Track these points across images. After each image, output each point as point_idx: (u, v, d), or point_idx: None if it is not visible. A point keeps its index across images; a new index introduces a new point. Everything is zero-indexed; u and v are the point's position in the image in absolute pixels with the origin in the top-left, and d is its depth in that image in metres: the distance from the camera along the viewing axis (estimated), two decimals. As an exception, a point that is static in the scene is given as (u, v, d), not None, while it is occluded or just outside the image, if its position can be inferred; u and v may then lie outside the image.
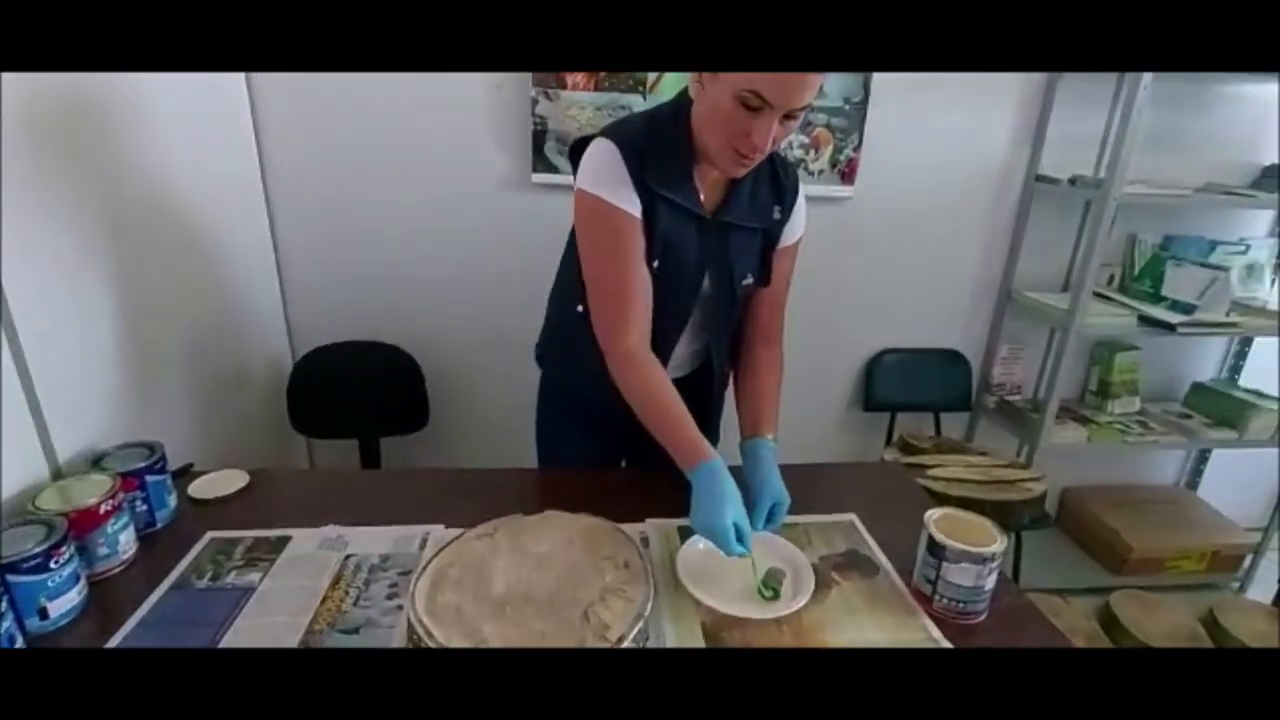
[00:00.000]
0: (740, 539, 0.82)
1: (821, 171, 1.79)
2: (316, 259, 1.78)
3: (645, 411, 0.94)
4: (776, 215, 1.01)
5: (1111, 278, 2.08)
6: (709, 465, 0.87)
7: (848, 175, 1.81)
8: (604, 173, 0.90)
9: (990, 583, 0.82)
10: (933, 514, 0.87)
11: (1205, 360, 2.27)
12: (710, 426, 1.17)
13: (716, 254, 0.99)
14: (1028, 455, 1.94)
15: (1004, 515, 1.68)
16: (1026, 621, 0.86)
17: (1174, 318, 1.79)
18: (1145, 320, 1.83)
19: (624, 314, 0.95)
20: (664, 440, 0.91)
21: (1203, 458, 2.38)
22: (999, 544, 0.82)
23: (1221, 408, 2.09)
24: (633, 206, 0.91)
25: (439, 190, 1.74)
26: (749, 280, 1.03)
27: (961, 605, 0.82)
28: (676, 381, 1.10)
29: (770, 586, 0.84)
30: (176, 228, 1.33)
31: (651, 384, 0.94)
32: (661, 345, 1.04)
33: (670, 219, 0.93)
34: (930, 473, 1.74)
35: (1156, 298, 1.93)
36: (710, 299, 1.03)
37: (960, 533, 0.83)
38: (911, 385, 2.07)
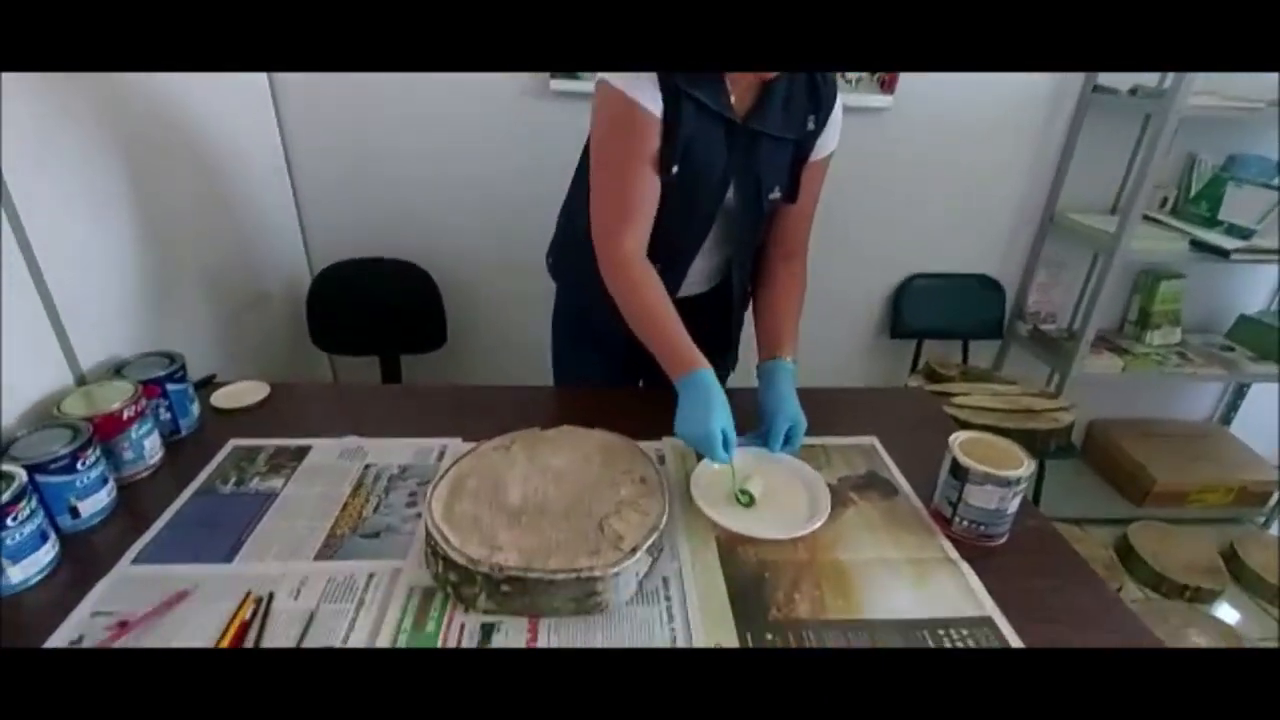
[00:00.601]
0: (726, 448, 0.82)
1: (859, 79, 1.67)
2: (331, 174, 1.74)
3: (635, 318, 0.91)
4: (810, 126, 0.94)
5: (1165, 200, 1.95)
6: (698, 373, 0.85)
7: (887, 84, 1.68)
8: None
9: (1013, 506, 0.80)
10: (957, 436, 0.84)
11: (1255, 291, 2.15)
12: (728, 346, 1.15)
13: (743, 163, 0.93)
14: (1058, 385, 1.89)
15: (1029, 444, 1.65)
16: (1047, 546, 0.84)
17: (1229, 243, 1.68)
18: (1197, 245, 1.72)
19: (624, 216, 0.91)
20: (653, 348, 0.89)
21: (1240, 393, 2.31)
22: (1024, 468, 0.80)
23: (1267, 341, 2.00)
24: (653, 104, 0.85)
25: (455, 100, 1.66)
26: (775, 194, 0.97)
27: (982, 527, 0.81)
28: (695, 298, 1.07)
29: (746, 493, 0.84)
30: (189, 145, 1.31)
31: (643, 291, 0.91)
32: (680, 259, 1.00)
33: (695, 121, 0.87)
34: (955, 400, 1.70)
35: (1212, 222, 1.81)
36: (733, 211, 0.97)
37: (985, 456, 0.80)
38: (941, 312, 2.00)
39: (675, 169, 0.89)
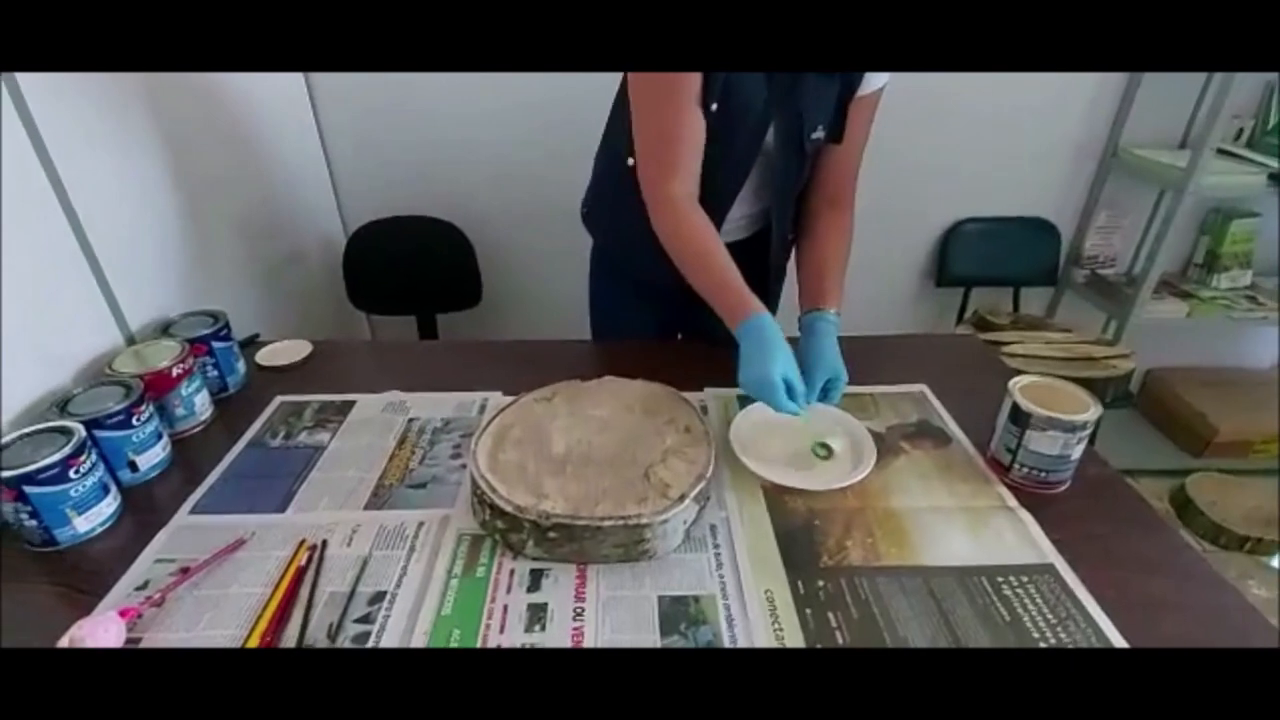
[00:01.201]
0: (792, 396, 0.78)
1: (905, 10, 1.56)
2: (360, 132, 1.72)
3: (688, 263, 0.88)
4: None
5: (1239, 132, 1.81)
6: (759, 318, 0.81)
7: (936, 13, 1.57)
8: None
9: (1077, 452, 0.77)
10: (1018, 381, 0.80)
11: (1337, 227, 2.00)
12: (764, 295, 1.09)
13: (784, 100, 0.87)
14: (1116, 332, 1.80)
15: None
16: (1111, 493, 0.81)
17: (1313, 174, 1.56)
18: (1277, 179, 1.60)
19: (671, 157, 0.87)
20: (707, 294, 0.86)
21: (1313, 337, 2.17)
22: (1091, 412, 0.75)
23: (1348, 280, 1.87)
24: None
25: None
26: (819, 134, 0.92)
27: (1044, 474, 0.77)
28: (733, 245, 1.02)
29: (825, 446, 0.82)
30: (223, 109, 1.31)
31: (696, 234, 0.87)
32: (717, 203, 0.96)
33: None
34: (1006, 349, 1.64)
35: (1293, 152, 1.68)
36: (774, 153, 0.92)
37: (1047, 401, 0.76)
38: (991, 258, 1.91)
39: (714, 106, 0.85)
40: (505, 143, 1.73)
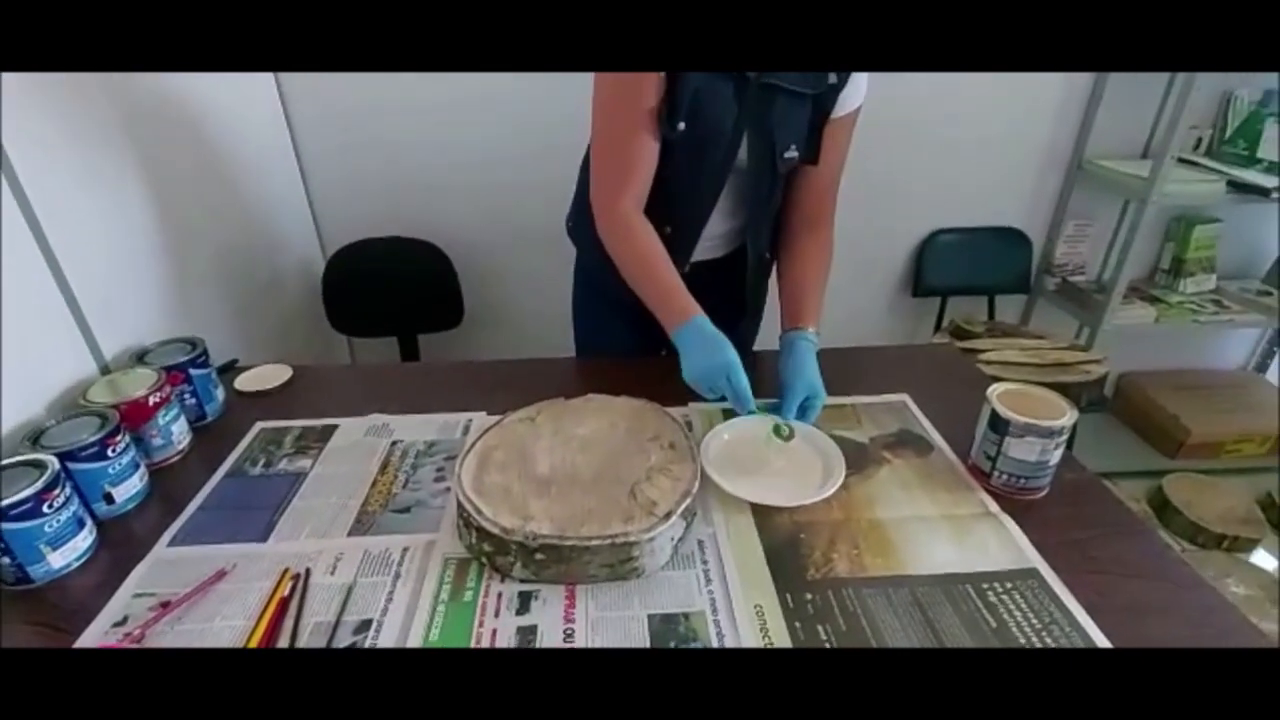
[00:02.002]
0: (738, 394, 0.81)
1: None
2: (337, 153, 1.71)
3: (633, 268, 0.91)
4: (831, 79, 0.89)
5: (1199, 142, 1.87)
6: (696, 319, 0.85)
7: (904, 32, 1.62)
8: None
9: (1055, 458, 0.78)
10: (996, 388, 0.82)
11: (1294, 232, 2.07)
12: (743, 313, 1.11)
13: (756, 119, 0.89)
14: (1089, 338, 1.84)
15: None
16: (1090, 497, 0.82)
17: (1270, 181, 1.62)
18: (1235, 186, 1.66)
19: (622, 175, 0.90)
20: (650, 301, 0.89)
21: (1277, 339, 2.24)
22: (1067, 417, 0.77)
23: (1309, 282, 1.93)
24: None
25: (460, 76, 1.62)
26: (792, 153, 0.93)
27: (1023, 480, 0.79)
28: (710, 263, 1.04)
29: (786, 425, 0.84)
30: (197, 131, 1.30)
31: (639, 244, 0.90)
32: (693, 220, 0.97)
33: (703, 74, 0.84)
34: (982, 357, 1.67)
35: (1250, 160, 1.74)
36: (747, 172, 0.94)
37: (1025, 407, 0.78)
38: (965, 267, 1.95)
39: (682, 124, 0.86)
40: (484, 161, 1.74)
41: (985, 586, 0.68)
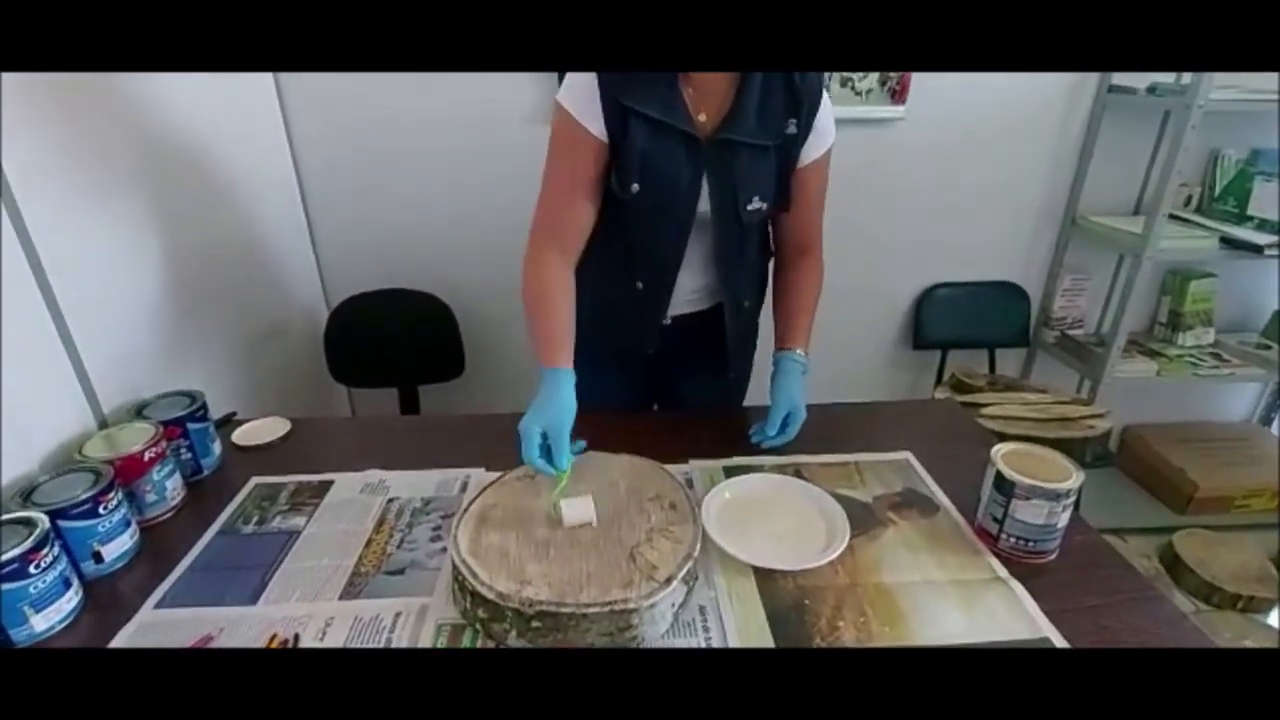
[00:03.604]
0: (550, 455, 0.81)
1: (870, 91, 1.66)
2: (345, 207, 1.75)
3: (529, 307, 0.93)
4: (791, 129, 0.89)
5: (1189, 199, 1.91)
6: (557, 371, 0.86)
7: (898, 94, 1.67)
8: (576, 86, 0.86)
9: (1063, 520, 0.77)
10: (1000, 449, 0.81)
11: (1289, 287, 2.09)
12: (724, 368, 1.10)
13: (715, 174, 0.90)
14: (1090, 391, 1.83)
15: (1064, 454, 1.61)
16: (1100, 560, 0.80)
17: (1261, 238, 1.64)
18: (1228, 242, 1.68)
19: (555, 230, 0.93)
20: (535, 333, 0.91)
21: (1280, 392, 2.24)
22: (1074, 479, 0.76)
23: (1306, 336, 1.94)
24: (594, 125, 0.86)
25: (465, 130, 1.68)
26: (756, 205, 0.93)
27: (1031, 543, 0.77)
28: (691, 316, 1.05)
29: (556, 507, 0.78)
30: (204, 181, 1.32)
31: (545, 284, 0.93)
32: (662, 273, 0.98)
33: (649, 138, 0.86)
34: (985, 411, 1.66)
35: (1241, 218, 1.77)
36: (712, 226, 0.94)
37: (1030, 468, 0.77)
38: (965, 321, 1.96)
39: (635, 186, 0.89)
40: (486, 214, 1.77)
41: (996, 658, 0.65)
